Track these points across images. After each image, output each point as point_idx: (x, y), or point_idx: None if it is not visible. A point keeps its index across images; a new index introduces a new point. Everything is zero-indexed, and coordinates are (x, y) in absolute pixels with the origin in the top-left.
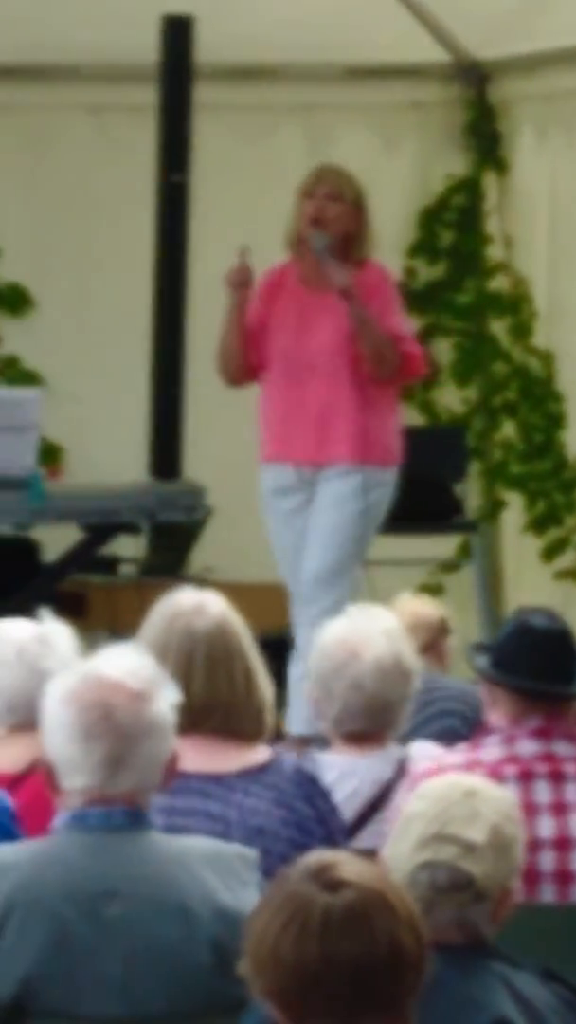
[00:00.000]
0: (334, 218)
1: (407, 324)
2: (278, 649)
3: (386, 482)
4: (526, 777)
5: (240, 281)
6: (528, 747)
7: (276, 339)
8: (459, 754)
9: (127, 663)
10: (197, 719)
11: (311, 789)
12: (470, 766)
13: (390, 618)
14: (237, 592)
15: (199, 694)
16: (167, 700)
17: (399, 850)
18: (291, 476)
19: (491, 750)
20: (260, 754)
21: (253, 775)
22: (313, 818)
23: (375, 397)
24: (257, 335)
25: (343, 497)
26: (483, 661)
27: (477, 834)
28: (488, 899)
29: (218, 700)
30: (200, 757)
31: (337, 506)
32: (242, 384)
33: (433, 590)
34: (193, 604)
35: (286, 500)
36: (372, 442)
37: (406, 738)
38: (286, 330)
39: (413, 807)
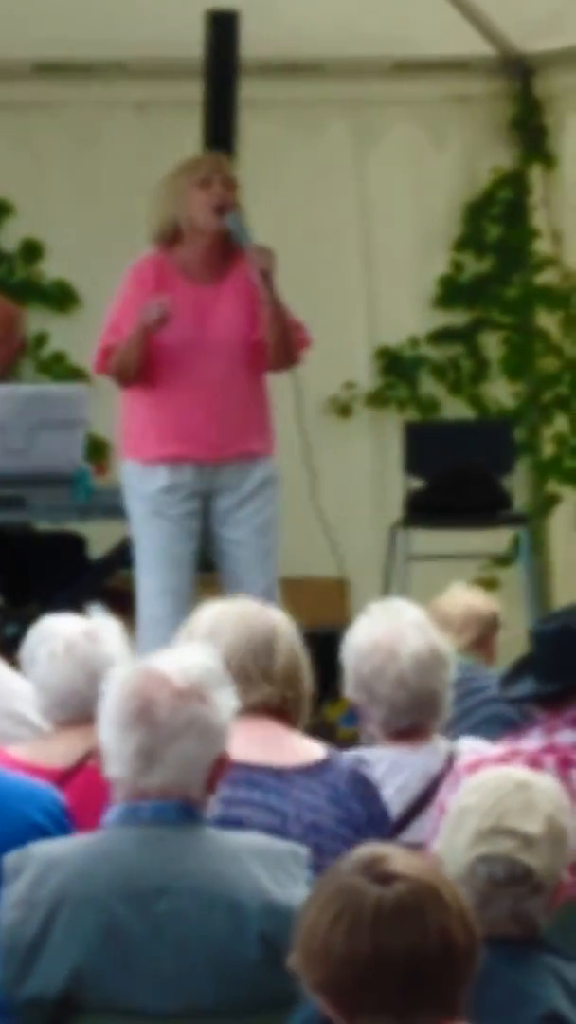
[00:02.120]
0: (235, 205)
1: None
2: (327, 643)
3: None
4: (565, 765)
5: (155, 326)
6: (568, 736)
7: (170, 335)
8: (500, 745)
9: (184, 661)
10: (274, 698)
11: (365, 791)
12: (510, 756)
13: (414, 610)
14: (291, 586)
15: (278, 669)
16: (221, 703)
17: (454, 844)
18: (189, 476)
19: (532, 740)
20: (317, 751)
21: (311, 772)
22: (366, 820)
23: (265, 388)
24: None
25: (269, 515)
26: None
27: (533, 826)
28: (544, 891)
29: (292, 675)
30: (258, 749)
31: (265, 525)
32: (135, 385)
33: (487, 584)
34: (239, 603)
35: (184, 503)
36: (271, 434)
37: (451, 729)
38: (181, 326)
39: (466, 800)
